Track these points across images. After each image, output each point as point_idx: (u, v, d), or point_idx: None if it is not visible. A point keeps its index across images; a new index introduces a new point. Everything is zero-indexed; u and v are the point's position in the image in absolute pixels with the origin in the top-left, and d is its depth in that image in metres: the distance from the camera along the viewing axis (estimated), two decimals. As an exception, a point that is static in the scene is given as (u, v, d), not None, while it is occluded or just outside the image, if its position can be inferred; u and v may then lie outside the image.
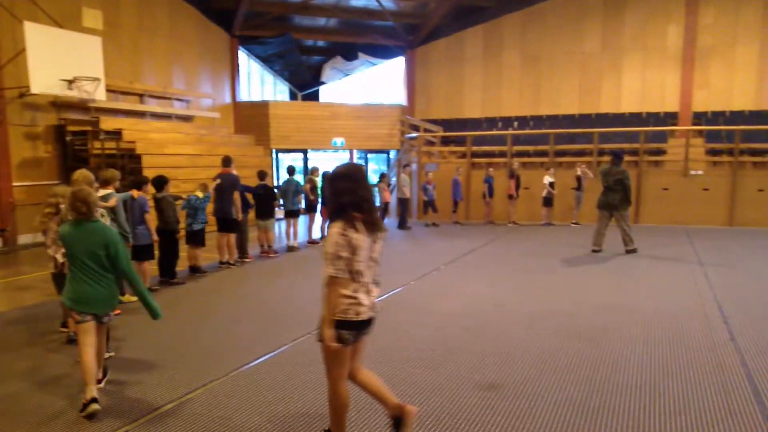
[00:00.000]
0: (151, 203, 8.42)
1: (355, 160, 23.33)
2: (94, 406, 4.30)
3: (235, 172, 10.53)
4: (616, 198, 11.27)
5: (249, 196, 11.15)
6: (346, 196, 3.49)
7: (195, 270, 9.69)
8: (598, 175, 14.54)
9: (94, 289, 4.48)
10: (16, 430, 4.13)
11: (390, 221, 16.68)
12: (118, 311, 6.42)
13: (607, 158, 17.64)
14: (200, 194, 9.61)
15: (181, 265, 9.46)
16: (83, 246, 4.46)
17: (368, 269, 3.54)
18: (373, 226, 3.53)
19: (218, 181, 10.03)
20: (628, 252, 11.38)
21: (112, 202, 7.18)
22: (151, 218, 8.27)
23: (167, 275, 8.92)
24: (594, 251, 11.47)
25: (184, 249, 9.55)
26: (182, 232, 9.39)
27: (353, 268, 3.45)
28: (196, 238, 9.68)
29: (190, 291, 8.57)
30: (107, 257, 4.50)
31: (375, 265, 3.61)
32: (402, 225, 16.06)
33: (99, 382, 4.71)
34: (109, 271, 4.56)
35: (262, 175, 11.52)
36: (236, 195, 10.22)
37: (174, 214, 8.79)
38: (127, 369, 5.23)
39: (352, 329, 3.48)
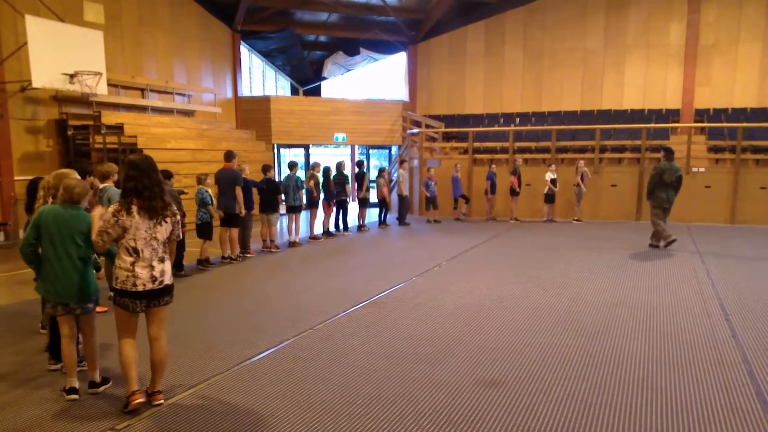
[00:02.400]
0: None
1: (356, 156, 23.31)
2: (71, 396, 4.50)
3: (239, 167, 10.57)
4: (673, 195, 11.26)
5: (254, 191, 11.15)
6: (130, 183, 4.04)
7: (205, 263, 9.79)
8: (593, 172, 14.51)
9: (66, 278, 4.45)
10: (9, 419, 4.15)
11: (391, 217, 16.65)
12: (104, 308, 6.26)
13: (609, 155, 17.72)
14: (206, 188, 9.73)
15: (187, 259, 9.53)
16: (65, 230, 4.43)
17: (149, 248, 4.07)
18: (151, 212, 4.06)
19: (216, 186, 10.16)
20: (653, 246, 11.66)
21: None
22: None
23: (174, 267, 8.93)
24: (670, 242, 11.45)
25: (189, 244, 9.55)
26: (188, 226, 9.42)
27: (128, 246, 4.04)
28: (206, 231, 9.79)
29: (193, 285, 8.58)
30: (86, 241, 4.49)
31: (158, 245, 4.13)
32: (401, 221, 16.04)
33: (97, 385, 4.62)
34: (84, 258, 4.52)
35: (265, 169, 11.54)
36: (238, 190, 10.21)
37: (179, 208, 8.78)
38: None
39: (131, 297, 4.07)
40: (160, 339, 4.28)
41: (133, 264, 4.05)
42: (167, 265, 4.23)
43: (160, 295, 4.19)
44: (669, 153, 11.43)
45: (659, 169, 11.37)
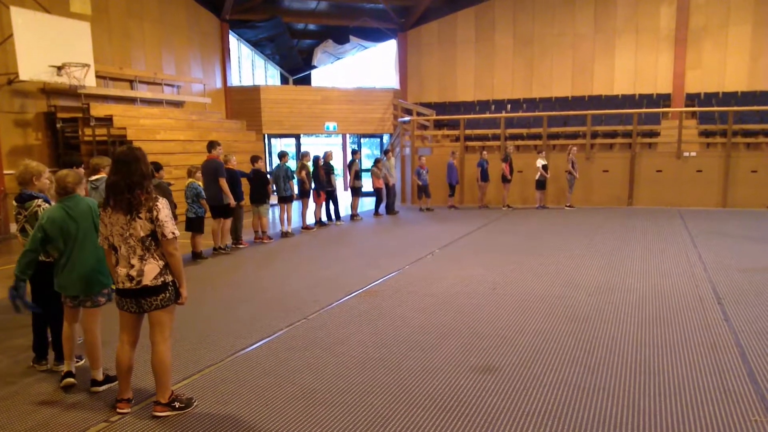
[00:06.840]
0: None
1: (347, 145, 23.23)
2: (69, 380, 4.56)
3: (225, 157, 10.44)
4: None
5: (244, 180, 11.06)
6: (109, 178, 3.96)
7: (196, 256, 9.75)
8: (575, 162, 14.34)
9: (78, 269, 4.41)
10: (2, 414, 4.14)
11: (382, 207, 16.62)
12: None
13: (600, 141, 17.72)
14: (197, 181, 9.67)
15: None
16: (68, 221, 4.39)
17: (125, 245, 3.91)
18: (123, 207, 3.87)
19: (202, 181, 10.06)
20: None
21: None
22: None
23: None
24: None
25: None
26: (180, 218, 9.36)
27: (111, 243, 3.98)
28: (198, 225, 9.76)
29: (186, 276, 8.52)
30: (93, 225, 4.41)
31: (136, 242, 3.90)
32: (389, 210, 16.00)
33: (99, 383, 4.53)
34: (89, 248, 4.44)
35: (254, 159, 11.47)
36: (221, 181, 10.07)
37: (170, 200, 8.72)
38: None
39: (117, 295, 4.04)
40: (155, 344, 4.04)
41: (116, 262, 3.98)
42: (149, 266, 3.91)
43: (140, 295, 3.93)
44: None
45: None
